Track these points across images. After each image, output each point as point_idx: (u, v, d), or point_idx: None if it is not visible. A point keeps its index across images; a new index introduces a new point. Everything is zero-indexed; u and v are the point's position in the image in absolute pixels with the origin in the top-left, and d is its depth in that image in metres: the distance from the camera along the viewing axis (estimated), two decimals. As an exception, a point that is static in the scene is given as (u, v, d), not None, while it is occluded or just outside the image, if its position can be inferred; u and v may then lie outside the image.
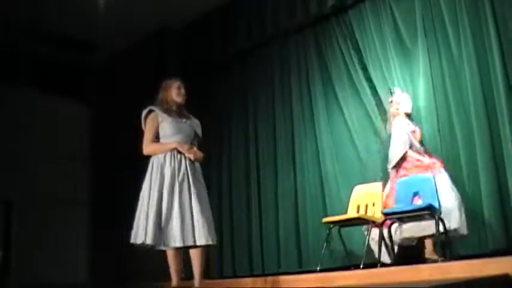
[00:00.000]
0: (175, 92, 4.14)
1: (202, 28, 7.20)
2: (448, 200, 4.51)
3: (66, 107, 7.67)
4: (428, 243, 4.61)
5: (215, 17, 7.11)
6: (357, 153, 5.77)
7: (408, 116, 5.13)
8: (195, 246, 3.89)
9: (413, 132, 5.01)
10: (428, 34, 5.36)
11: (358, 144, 5.79)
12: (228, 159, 7.07)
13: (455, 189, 4.63)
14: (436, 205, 4.37)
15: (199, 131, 4.22)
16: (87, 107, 7.98)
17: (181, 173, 3.91)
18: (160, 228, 3.79)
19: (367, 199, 5.12)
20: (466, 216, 4.53)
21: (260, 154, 6.73)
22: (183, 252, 4.04)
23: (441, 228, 4.29)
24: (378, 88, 5.65)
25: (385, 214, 4.71)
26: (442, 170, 4.74)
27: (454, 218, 4.45)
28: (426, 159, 4.83)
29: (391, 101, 5.17)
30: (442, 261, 4.24)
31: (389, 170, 5.04)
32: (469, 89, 4.95)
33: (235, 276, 6.46)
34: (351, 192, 5.30)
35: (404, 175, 4.84)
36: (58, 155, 7.36)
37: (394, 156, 4.95)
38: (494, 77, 4.77)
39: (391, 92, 5.26)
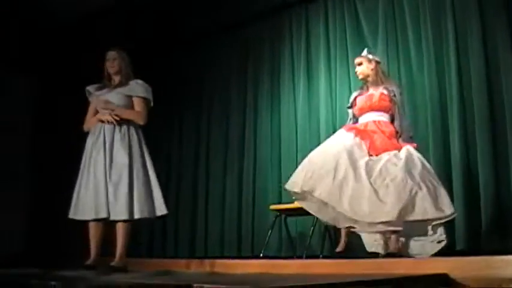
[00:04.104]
0: (108, 64, 4.15)
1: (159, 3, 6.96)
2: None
3: (9, 76, 7.28)
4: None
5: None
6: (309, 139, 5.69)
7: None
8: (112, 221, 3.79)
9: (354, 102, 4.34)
10: (389, 35, 5.33)
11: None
12: (178, 140, 7.00)
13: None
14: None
15: (135, 93, 4.08)
16: (31, 77, 7.64)
17: (99, 142, 3.88)
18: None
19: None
20: None
21: (211, 135, 6.67)
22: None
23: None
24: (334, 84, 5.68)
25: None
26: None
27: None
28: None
29: None
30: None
31: None
32: (426, 93, 4.97)
33: (176, 256, 6.38)
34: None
35: None
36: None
37: None
38: (449, 83, 4.79)
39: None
